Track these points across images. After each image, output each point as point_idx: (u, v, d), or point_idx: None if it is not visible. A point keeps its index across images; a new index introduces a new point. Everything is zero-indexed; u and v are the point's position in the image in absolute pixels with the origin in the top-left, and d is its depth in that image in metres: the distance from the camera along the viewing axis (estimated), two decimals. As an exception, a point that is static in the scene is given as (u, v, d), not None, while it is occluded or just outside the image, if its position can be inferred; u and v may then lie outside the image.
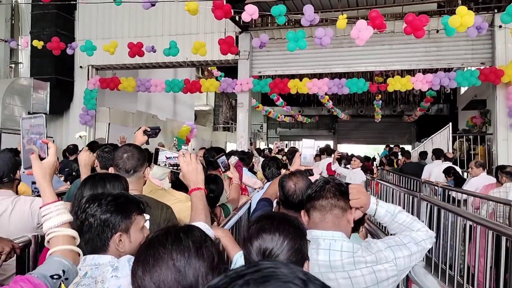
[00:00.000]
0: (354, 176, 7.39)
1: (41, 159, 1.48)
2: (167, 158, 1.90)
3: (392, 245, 1.61)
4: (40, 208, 1.41)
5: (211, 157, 4.68)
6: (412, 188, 7.72)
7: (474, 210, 4.96)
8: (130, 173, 2.22)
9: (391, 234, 1.77)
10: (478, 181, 5.81)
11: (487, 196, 4.69)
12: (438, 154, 8.28)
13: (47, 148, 1.49)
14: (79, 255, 1.37)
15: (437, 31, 8.99)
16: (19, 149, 3.38)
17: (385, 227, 1.97)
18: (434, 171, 7.39)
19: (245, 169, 6.36)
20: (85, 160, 2.77)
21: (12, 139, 8.79)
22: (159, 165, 1.92)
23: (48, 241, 1.36)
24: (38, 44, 8.88)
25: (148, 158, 2.30)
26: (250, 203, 3.76)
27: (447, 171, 6.72)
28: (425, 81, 8.78)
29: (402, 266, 1.56)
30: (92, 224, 1.50)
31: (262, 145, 22.29)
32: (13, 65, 12.01)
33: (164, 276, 0.90)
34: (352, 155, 10.02)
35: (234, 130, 20.96)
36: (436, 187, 6.63)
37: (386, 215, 1.71)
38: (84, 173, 2.73)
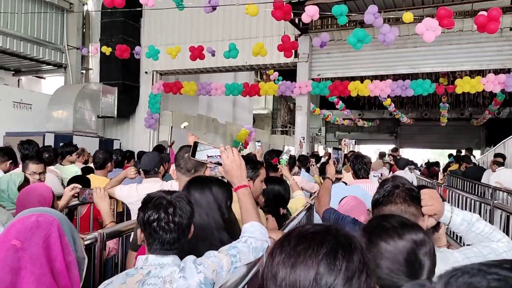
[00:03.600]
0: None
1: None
2: (208, 156, 1.74)
3: (471, 256, 1.49)
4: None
5: (271, 159, 4.68)
6: (474, 193, 7.29)
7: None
8: (191, 172, 2.28)
9: (467, 245, 1.63)
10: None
11: None
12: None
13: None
14: None
15: (511, 29, 8.40)
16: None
17: (457, 236, 1.82)
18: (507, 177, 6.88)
19: (303, 171, 6.29)
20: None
21: (83, 141, 9.30)
22: (196, 159, 1.76)
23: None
24: (107, 50, 9.35)
25: None
26: (311, 208, 3.69)
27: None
28: (497, 82, 8.20)
29: None
30: (181, 224, 1.50)
31: (320, 148, 21.98)
32: (84, 71, 12.72)
33: (302, 283, 0.78)
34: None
35: (292, 134, 20.87)
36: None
37: (462, 224, 1.55)
38: None
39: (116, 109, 11.11)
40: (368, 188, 3.44)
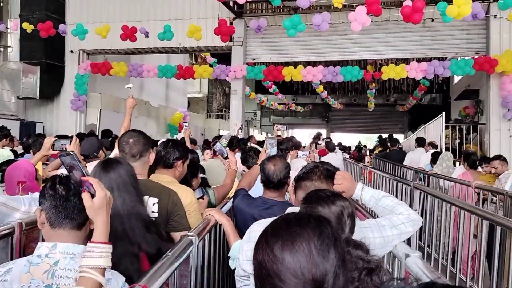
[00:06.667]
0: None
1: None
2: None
3: (365, 226, 1.75)
4: (89, 242, 1.30)
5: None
6: (396, 174, 7.87)
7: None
8: (136, 157, 2.25)
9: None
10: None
11: (481, 185, 4.68)
12: (421, 142, 8.59)
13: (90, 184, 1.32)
14: None
15: (433, 20, 8.93)
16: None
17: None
18: (422, 158, 7.46)
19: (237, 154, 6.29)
20: (131, 104, 3.34)
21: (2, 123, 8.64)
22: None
23: (76, 279, 1.26)
24: (28, 27, 8.69)
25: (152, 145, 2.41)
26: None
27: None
28: (420, 69, 8.76)
29: (373, 246, 1.64)
30: (76, 204, 1.37)
31: (255, 133, 22.20)
32: (1, 49, 11.78)
33: (304, 259, 0.88)
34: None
35: (227, 118, 20.87)
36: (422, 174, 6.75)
37: (371, 200, 1.87)
38: (128, 113, 3.29)
39: (39, 90, 10.41)
40: None
